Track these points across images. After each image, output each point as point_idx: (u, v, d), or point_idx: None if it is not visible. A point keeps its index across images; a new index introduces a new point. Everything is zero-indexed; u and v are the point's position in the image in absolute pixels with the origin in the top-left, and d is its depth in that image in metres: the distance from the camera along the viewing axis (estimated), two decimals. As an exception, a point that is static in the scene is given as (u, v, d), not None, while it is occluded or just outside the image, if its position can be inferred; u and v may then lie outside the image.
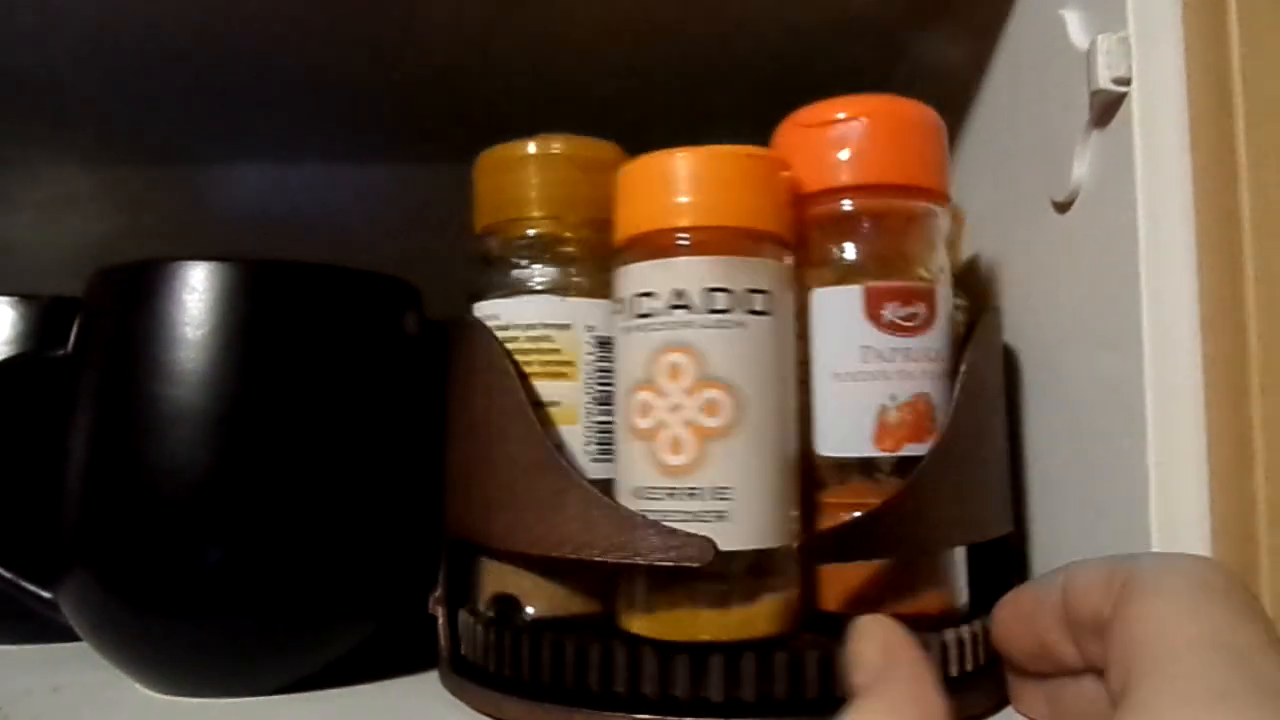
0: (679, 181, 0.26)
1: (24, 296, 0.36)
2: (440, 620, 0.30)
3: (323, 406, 0.29)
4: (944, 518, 0.26)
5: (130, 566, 0.28)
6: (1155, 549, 0.25)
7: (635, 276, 0.26)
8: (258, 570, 0.28)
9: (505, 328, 0.29)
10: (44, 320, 0.36)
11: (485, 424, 0.28)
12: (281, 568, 0.28)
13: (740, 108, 0.51)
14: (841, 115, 0.27)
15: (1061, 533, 0.30)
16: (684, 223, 0.26)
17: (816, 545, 0.25)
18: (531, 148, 0.30)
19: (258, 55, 0.44)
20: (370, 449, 0.30)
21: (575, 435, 0.29)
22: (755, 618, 0.25)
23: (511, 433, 0.27)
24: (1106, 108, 0.27)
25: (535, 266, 0.30)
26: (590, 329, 0.29)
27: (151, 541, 0.28)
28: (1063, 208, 0.30)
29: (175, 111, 0.52)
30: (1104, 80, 0.26)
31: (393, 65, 0.46)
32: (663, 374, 0.25)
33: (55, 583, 0.30)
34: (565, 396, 0.29)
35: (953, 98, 0.39)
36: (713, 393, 0.25)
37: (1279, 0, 0.24)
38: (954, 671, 0.26)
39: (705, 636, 0.25)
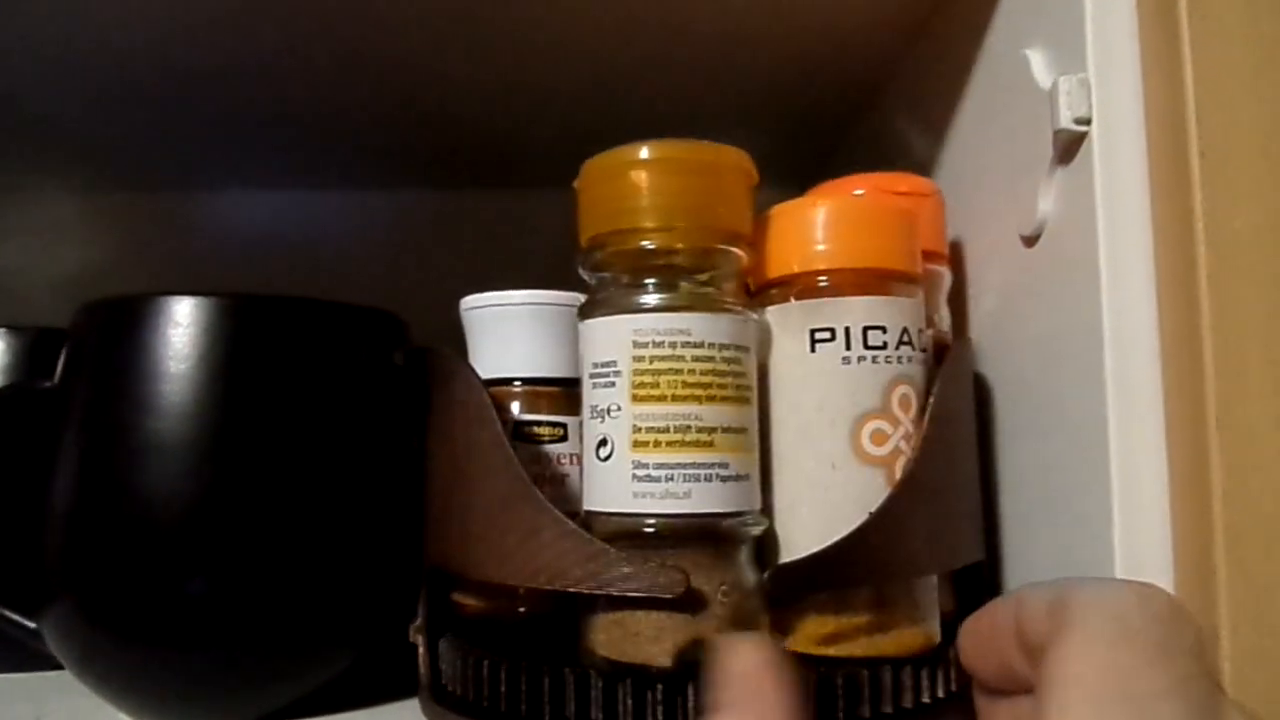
0: (902, 224, 0.29)
1: (11, 328, 0.37)
2: (420, 649, 0.30)
3: (306, 439, 0.30)
4: (913, 546, 0.27)
5: (114, 597, 0.28)
6: (1119, 575, 0.25)
7: (859, 310, 0.27)
8: (240, 600, 0.28)
9: (699, 344, 0.26)
10: (31, 351, 0.37)
11: (464, 456, 0.29)
12: (264, 598, 0.29)
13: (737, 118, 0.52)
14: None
15: (1031, 560, 0.31)
16: (905, 266, 0.28)
17: (785, 575, 0.25)
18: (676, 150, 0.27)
19: (246, 84, 0.44)
20: (352, 480, 0.31)
21: (754, 464, 0.27)
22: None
23: (489, 464, 0.28)
24: (1069, 146, 0.28)
25: (681, 282, 0.27)
26: (749, 351, 0.27)
27: (135, 572, 0.28)
28: (1030, 241, 0.31)
29: (164, 139, 0.52)
30: (1065, 120, 0.27)
31: (381, 94, 0.46)
32: (896, 404, 0.27)
33: (39, 612, 0.30)
34: (750, 423, 0.27)
35: (927, 127, 0.40)
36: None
37: (1232, 43, 0.25)
38: (926, 698, 0.26)
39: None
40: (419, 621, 0.30)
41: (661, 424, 0.25)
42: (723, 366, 0.26)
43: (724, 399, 0.26)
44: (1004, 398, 0.33)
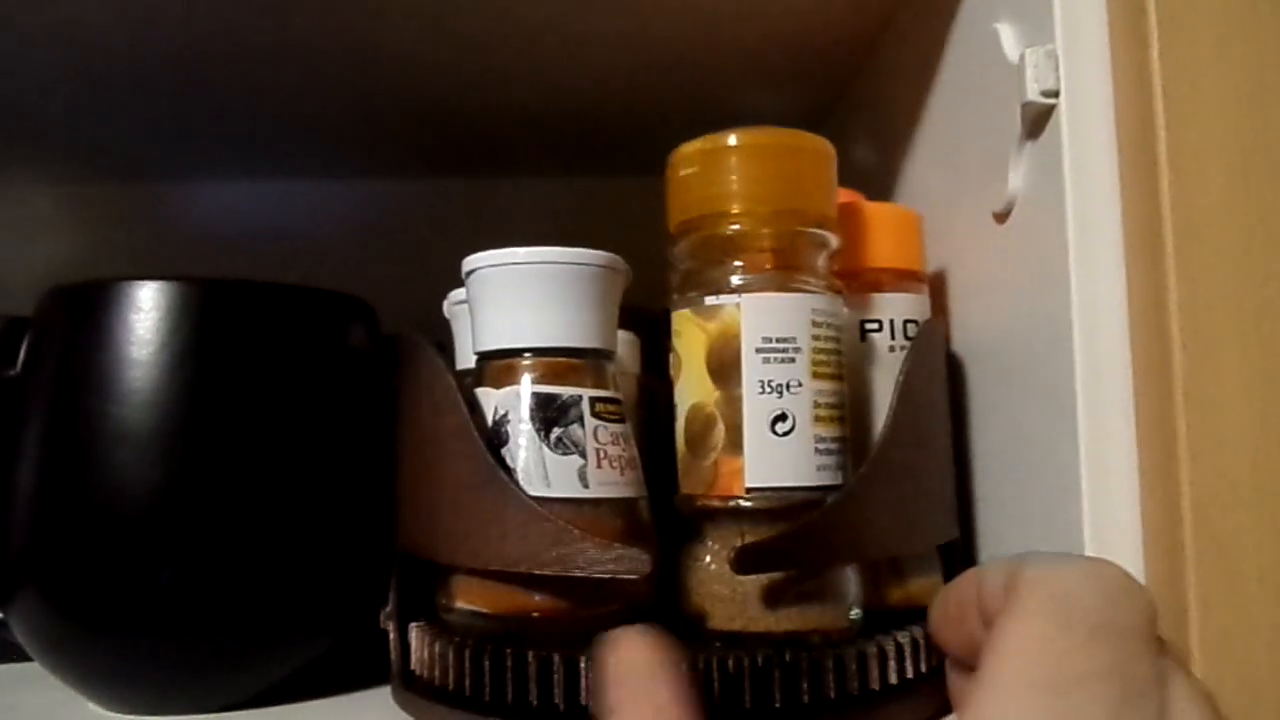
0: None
1: (-21, 317, 0.36)
2: (391, 635, 0.30)
3: (272, 424, 0.29)
4: (882, 526, 0.27)
5: (80, 586, 0.28)
6: (1089, 551, 0.25)
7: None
8: (208, 588, 0.28)
9: (840, 327, 0.28)
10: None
11: (431, 441, 0.28)
12: (232, 585, 0.28)
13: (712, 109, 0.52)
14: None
15: (1004, 538, 0.31)
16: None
17: (751, 554, 0.25)
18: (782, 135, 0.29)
19: (224, 74, 0.44)
20: (320, 466, 0.30)
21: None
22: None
23: (455, 449, 0.27)
24: (1037, 119, 0.28)
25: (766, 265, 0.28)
26: None
27: (101, 560, 0.28)
28: (1001, 218, 0.30)
29: (139, 131, 0.52)
30: (1033, 93, 0.27)
31: (357, 83, 0.46)
32: None
33: (5, 603, 0.30)
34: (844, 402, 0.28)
35: (902, 108, 0.39)
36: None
37: (1198, 15, 0.25)
38: (893, 679, 0.26)
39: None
40: (390, 608, 0.30)
41: (832, 400, 0.27)
42: (844, 348, 0.28)
43: (845, 378, 0.28)
44: (975, 375, 0.33)
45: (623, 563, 0.24)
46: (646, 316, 0.33)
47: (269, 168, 0.59)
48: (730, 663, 0.24)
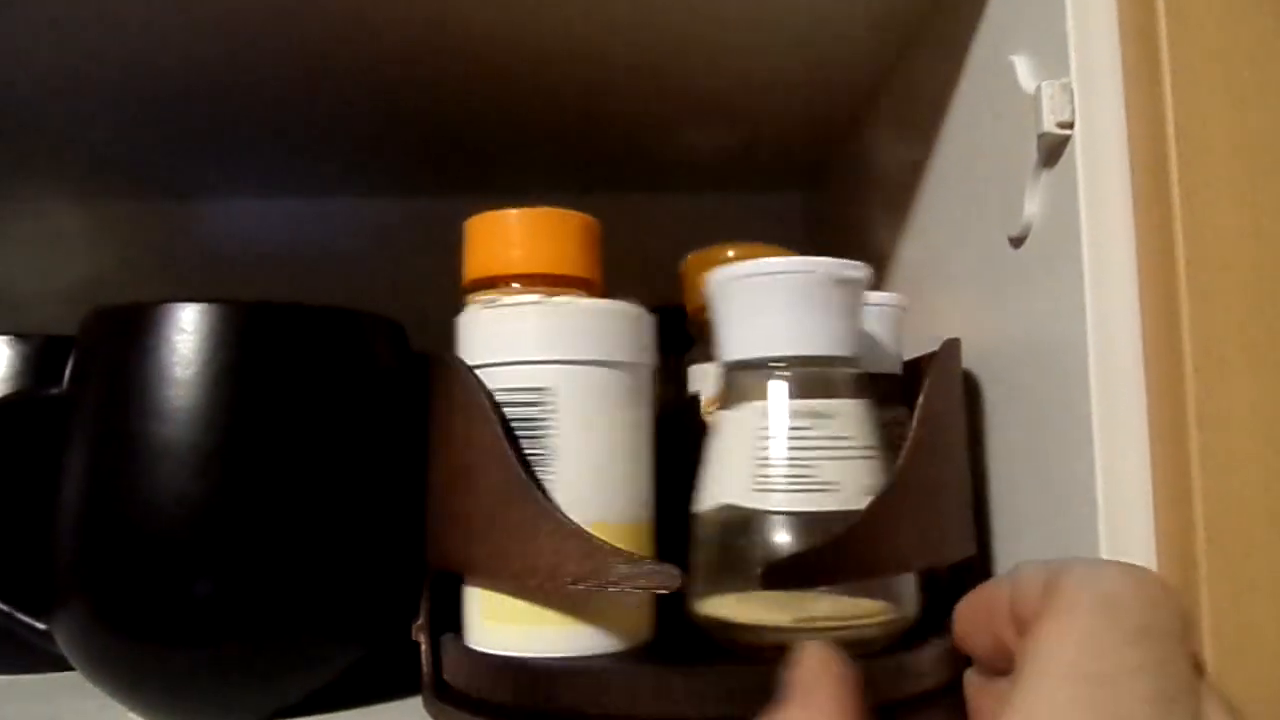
0: None
1: (17, 336, 0.38)
2: (423, 646, 0.31)
3: (309, 441, 0.30)
4: (904, 542, 0.27)
5: (123, 598, 0.29)
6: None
7: None
8: (247, 600, 0.29)
9: None
10: (38, 359, 0.37)
11: (464, 457, 0.29)
12: (270, 597, 0.29)
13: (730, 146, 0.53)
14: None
15: (1020, 555, 0.32)
16: None
17: (780, 570, 0.26)
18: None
19: (248, 92, 0.45)
20: (355, 482, 0.31)
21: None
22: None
23: (488, 465, 0.28)
24: (1053, 149, 0.28)
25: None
26: None
27: (143, 573, 0.29)
28: (1017, 242, 0.31)
29: (165, 147, 0.53)
30: (1049, 124, 0.28)
31: (383, 105, 0.47)
32: None
33: (49, 614, 0.31)
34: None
35: (918, 132, 0.40)
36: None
37: (1208, 49, 0.26)
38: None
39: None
40: (421, 620, 0.31)
41: None
42: None
43: None
44: (992, 395, 0.34)
45: (654, 578, 0.25)
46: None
47: (290, 187, 0.60)
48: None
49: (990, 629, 0.23)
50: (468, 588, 0.30)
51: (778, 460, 0.27)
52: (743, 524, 0.27)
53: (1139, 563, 0.26)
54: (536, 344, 0.29)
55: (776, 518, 0.27)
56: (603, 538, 0.27)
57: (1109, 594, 0.19)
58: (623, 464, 0.29)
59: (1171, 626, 0.18)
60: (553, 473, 0.28)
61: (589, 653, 0.28)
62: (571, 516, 0.27)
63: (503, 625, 0.29)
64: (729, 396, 0.29)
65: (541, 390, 0.28)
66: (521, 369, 0.29)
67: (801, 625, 0.27)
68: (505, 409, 0.28)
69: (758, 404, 0.28)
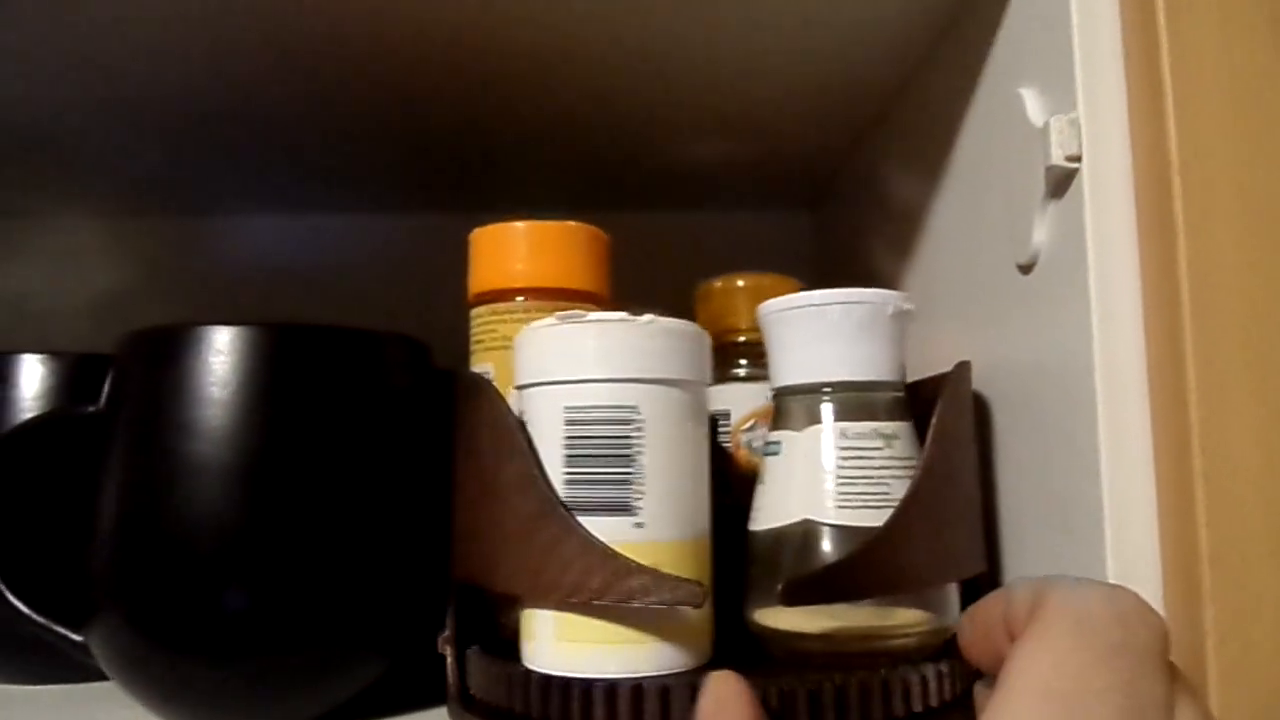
0: None
1: (52, 354, 0.39)
2: (449, 659, 0.32)
3: (339, 459, 0.31)
4: (918, 559, 0.28)
5: (157, 610, 0.30)
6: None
7: None
8: (278, 613, 0.30)
9: None
10: (71, 376, 0.38)
11: (490, 474, 0.30)
12: (300, 611, 0.30)
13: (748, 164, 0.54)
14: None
15: (1028, 574, 0.32)
16: None
17: (798, 587, 0.27)
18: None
19: (264, 111, 0.46)
20: (383, 498, 0.32)
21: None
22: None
23: (513, 482, 0.29)
24: (1061, 181, 0.29)
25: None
26: None
27: (177, 587, 0.30)
28: (1026, 269, 0.32)
29: (184, 164, 0.54)
30: (1057, 157, 0.29)
31: (399, 123, 0.48)
32: None
33: (85, 626, 0.32)
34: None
35: (926, 160, 0.41)
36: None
37: (1211, 84, 0.27)
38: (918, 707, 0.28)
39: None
40: (447, 633, 0.32)
41: None
42: None
43: None
44: (1001, 417, 0.35)
45: (679, 593, 0.26)
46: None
47: (307, 203, 0.61)
48: (782, 689, 0.26)
49: (990, 643, 0.24)
50: (529, 610, 0.30)
51: (858, 478, 0.29)
52: (816, 538, 0.29)
53: (1144, 581, 0.27)
54: (625, 362, 0.28)
55: (858, 531, 0.29)
56: (682, 554, 0.28)
57: (1083, 614, 0.19)
58: (696, 481, 0.29)
59: (1144, 644, 0.19)
60: (641, 490, 0.28)
61: (657, 672, 0.28)
62: (660, 533, 0.28)
63: (577, 644, 0.28)
64: (784, 419, 0.31)
65: (630, 409, 0.28)
66: (606, 387, 0.28)
67: (867, 632, 0.29)
68: (582, 426, 0.29)
69: (839, 425, 0.30)
